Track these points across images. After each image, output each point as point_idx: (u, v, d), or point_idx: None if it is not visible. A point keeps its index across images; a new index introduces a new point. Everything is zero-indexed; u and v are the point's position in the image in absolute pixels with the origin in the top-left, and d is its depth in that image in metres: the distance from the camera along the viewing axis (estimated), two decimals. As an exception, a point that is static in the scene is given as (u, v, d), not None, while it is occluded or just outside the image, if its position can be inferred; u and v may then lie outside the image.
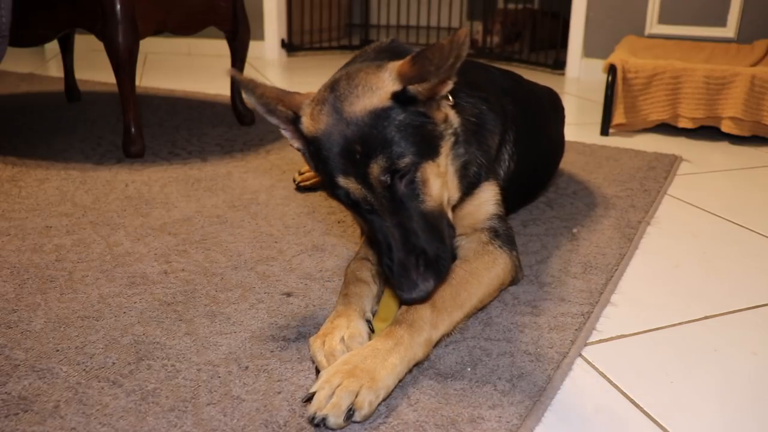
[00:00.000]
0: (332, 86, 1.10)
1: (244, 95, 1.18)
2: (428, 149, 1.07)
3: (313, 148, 1.10)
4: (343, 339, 1.05)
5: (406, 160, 1.02)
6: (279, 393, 1.01)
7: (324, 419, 0.92)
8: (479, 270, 1.22)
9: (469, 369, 1.08)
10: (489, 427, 0.95)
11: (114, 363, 1.08)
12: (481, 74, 1.57)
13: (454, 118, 1.16)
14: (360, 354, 1.00)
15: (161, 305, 1.27)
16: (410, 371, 1.05)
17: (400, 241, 1.03)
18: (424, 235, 1.04)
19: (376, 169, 1.02)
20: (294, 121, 1.12)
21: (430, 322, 1.08)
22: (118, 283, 1.35)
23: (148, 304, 1.27)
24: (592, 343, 1.20)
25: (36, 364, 1.07)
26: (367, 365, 0.97)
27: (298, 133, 1.13)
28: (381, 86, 1.06)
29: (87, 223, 1.67)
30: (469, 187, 1.28)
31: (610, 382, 1.08)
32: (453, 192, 1.18)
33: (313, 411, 0.92)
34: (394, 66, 1.08)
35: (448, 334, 1.14)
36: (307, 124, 1.10)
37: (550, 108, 1.91)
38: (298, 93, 1.17)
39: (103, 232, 1.61)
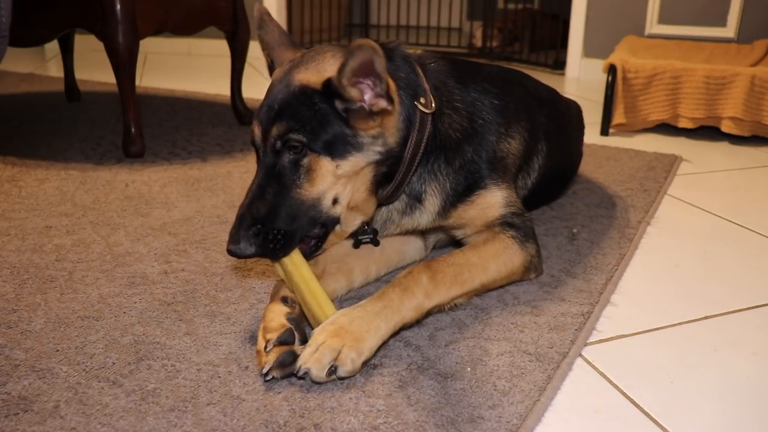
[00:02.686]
0: (305, 52, 1.20)
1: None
2: (331, 147, 1.10)
3: None
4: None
5: (298, 139, 1.09)
6: (279, 393, 1.01)
7: (307, 372, 0.99)
8: (486, 255, 1.26)
9: (469, 369, 1.08)
10: (489, 427, 0.95)
11: (114, 363, 1.08)
12: (514, 83, 1.56)
13: (392, 140, 1.17)
14: (348, 314, 1.05)
15: (161, 305, 1.27)
16: (396, 333, 1.10)
17: (251, 198, 1.09)
18: (275, 211, 1.09)
19: (274, 130, 1.10)
20: (270, 66, 1.28)
21: (425, 291, 1.12)
22: (118, 283, 1.35)
23: (148, 304, 1.27)
24: (592, 343, 1.20)
25: (36, 364, 1.07)
26: (353, 327, 1.03)
27: None
28: (323, 70, 1.12)
29: (87, 223, 1.67)
30: (465, 191, 1.31)
31: (610, 382, 1.08)
32: (358, 202, 1.18)
33: (299, 365, 1.00)
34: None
35: (441, 308, 1.18)
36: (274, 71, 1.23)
37: (577, 121, 1.92)
38: (297, 48, 1.28)
39: (103, 232, 1.61)
